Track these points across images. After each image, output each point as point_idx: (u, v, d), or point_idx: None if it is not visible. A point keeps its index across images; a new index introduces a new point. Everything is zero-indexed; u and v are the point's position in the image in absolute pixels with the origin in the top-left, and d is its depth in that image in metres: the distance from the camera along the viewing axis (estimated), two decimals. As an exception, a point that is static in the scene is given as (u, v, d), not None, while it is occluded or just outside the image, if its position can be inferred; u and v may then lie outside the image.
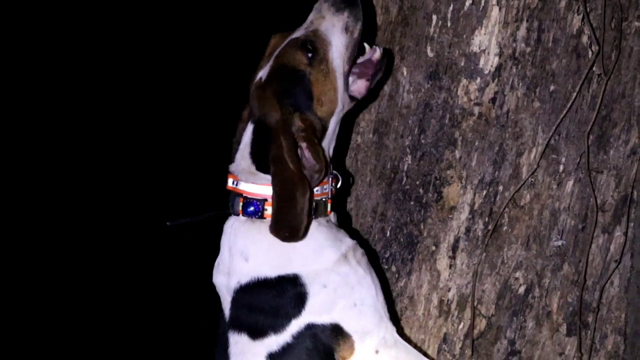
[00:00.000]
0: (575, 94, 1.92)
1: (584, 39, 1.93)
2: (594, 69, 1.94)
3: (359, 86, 1.82)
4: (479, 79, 1.96)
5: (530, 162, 1.99)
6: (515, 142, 1.99)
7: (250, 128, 1.78)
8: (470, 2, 1.93)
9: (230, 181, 1.80)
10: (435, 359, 2.08)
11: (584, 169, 1.99)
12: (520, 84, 1.96)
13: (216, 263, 1.83)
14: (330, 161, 1.83)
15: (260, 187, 1.74)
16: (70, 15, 5.46)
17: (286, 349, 1.68)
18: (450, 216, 2.04)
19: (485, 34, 1.94)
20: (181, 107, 5.58)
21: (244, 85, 1.87)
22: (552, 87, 1.95)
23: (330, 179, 1.82)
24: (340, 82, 1.77)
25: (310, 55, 1.74)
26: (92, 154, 5.60)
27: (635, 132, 2.00)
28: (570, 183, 2.01)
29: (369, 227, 2.14)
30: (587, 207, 2.03)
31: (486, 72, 1.95)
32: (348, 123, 2.06)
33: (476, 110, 1.98)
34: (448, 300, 2.08)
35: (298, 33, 1.79)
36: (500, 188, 2.01)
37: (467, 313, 2.06)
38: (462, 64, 1.97)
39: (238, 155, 1.80)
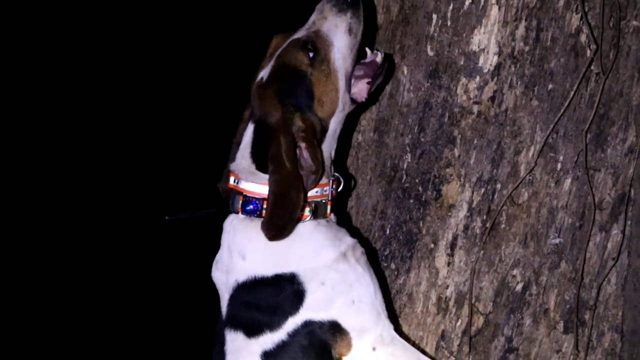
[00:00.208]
0: (573, 92, 1.93)
1: (582, 38, 1.93)
2: (592, 67, 1.94)
3: (360, 88, 1.83)
4: (478, 78, 1.97)
5: (528, 161, 1.99)
6: (513, 140, 1.99)
7: (251, 128, 1.79)
8: (470, 1, 1.94)
9: (231, 179, 1.81)
10: (432, 356, 2.09)
11: (581, 167, 2.00)
12: (519, 82, 1.96)
13: (215, 260, 1.84)
14: (332, 163, 1.84)
15: (260, 186, 1.75)
16: (70, 15, 5.46)
17: (281, 347, 1.69)
18: (449, 214, 2.05)
19: (484, 33, 1.94)
20: (182, 106, 5.58)
21: (245, 85, 1.88)
22: (550, 86, 1.96)
23: (331, 181, 1.83)
24: (342, 83, 1.78)
25: (311, 55, 1.75)
26: (91, 151, 5.60)
27: (632, 130, 2.00)
28: (568, 181, 2.02)
29: (369, 225, 2.15)
30: (585, 205, 2.03)
31: (485, 70, 1.96)
32: (349, 126, 2.06)
33: (475, 108, 1.99)
34: (446, 298, 2.08)
35: (300, 34, 1.80)
36: (499, 186, 2.02)
37: (465, 310, 2.07)
38: (462, 62, 1.97)
39: (239, 155, 1.81)
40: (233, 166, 1.82)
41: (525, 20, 1.93)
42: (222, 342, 1.77)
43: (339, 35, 1.78)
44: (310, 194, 1.75)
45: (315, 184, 1.74)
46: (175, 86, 5.51)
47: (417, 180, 2.06)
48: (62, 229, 5.25)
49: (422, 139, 2.04)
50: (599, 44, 1.92)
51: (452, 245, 2.06)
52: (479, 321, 2.08)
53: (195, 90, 5.51)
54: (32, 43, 5.52)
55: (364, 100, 1.84)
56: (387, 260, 2.12)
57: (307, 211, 1.75)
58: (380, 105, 2.11)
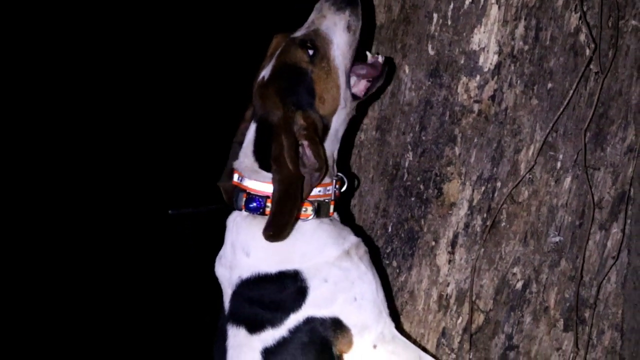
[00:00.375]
0: (572, 91, 1.93)
1: (582, 37, 1.94)
2: (591, 67, 1.94)
3: (360, 88, 1.85)
4: (478, 77, 1.98)
5: (528, 159, 2.00)
6: (513, 139, 2.00)
7: (253, 127, 1.80)
8: (470, 0, 1.94)
9: (235, 176, 1.83)
10: (433, 353, 2.09)
11: (581, 166, 2.00)
12: (519, 81, 1.97)
13: (219, 256, 1.85)
14: (335, 163, 1.85)
15: (263, 184, 1.76)
16: (70, 15, 5.48)
17: (281, 343, 1.69)
18: (450, 212, 2.05)
19: (484, 32, 1.95)
20: (182, 103, 5.60)
21: (245, 84, 1.89)
22: (549, 85, 1.97)
23: (334, 181, 1.84)
24: (342, 80, 1.79)
25: (311, 53, 1.76)
26: (94, 148, 5.62)
27: (632, 129, 2.01)
28: (568, 180, 2.03)
29: (371, 222, 2.16)
30: (585, 203, 2.04)
31: (485, 69, 1.97)
32: (352, 127, 2.08)
33: (476, 107, 2.00)
34: (447, 295, 2.09)
35: (299, 33, 1.82)
36: (499, 184, 2.03)
37: (466, 308, 2.08)
38: (462, 61, 1.98)
39: (242, 153, 1.82)
40: (236, 164, 1.83)
41: (525, 19, 1.93)
42: (223, 337, 1.77)
43: (338, 32, 1.79)
44: (312, 193, 1.76)
45: (320, 181, 1.74)
46: (177, 85, 5.52)
47: (418, 179, 2.08)
48: (65, 225, 5.26)
49: (424, 138, 2.06)
50: (598, 44, 1.93)
51: (453, 243, 2.07)
52: (479, 319, 2.09)
53: (197, 89, 5.52)
54: (32, 43, 5.54)
55: (364, 95, 1.85)
56: (389, 258, 2.13)
57: (309, 210, 1.76)
58: (382, 103, 2.11)
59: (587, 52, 1.94)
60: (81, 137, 5.63)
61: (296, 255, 1.73)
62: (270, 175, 1.72)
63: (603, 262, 2.09)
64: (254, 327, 1.72)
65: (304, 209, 1.75)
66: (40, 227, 5.24)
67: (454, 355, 2.11)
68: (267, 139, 1.72)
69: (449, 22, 1.98)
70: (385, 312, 1.77)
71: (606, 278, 2.10)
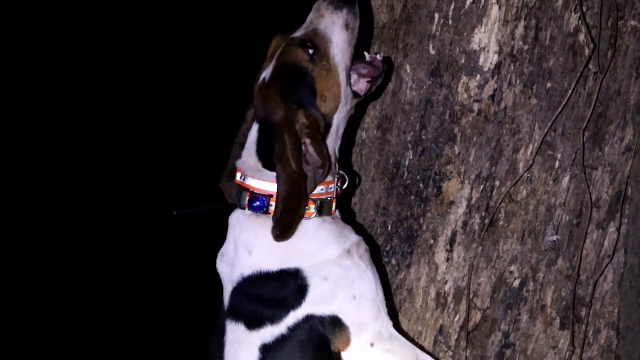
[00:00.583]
0: (571, 91, 1.94)
1: (581, 37, 1.94)
2: (589, 66, 1.95)
3: (360, 87, 1.85)
4: (478, 76, 1.98)
5: (527, 158, 2.01)
6: (512, 138, 2.01)
7: (255, 127, 1.81)
8: (471, 0, 1.95)
9: (238, 175, 1.83)
10: (430, 351, 2.11)
11: (579, 165, 2.01)
12: (518, 81, 1.98)
13: (220, 253, 1.86)
14: (336, 160, 1.86)
15: (266, 183, 1.77)
16: (73, 15, 5.48)
17: (280, 340, 1.70)
18: (449, 210, 2.06)
19: (485, 32, 1.96)
20: (183, 103, 5.60)
21: (246, 84, 1.89)
22: (548, 85, 1.97)
23: (336, 178, 1.84)
24: (342, 77, 1.80)
25: (311, 52, 1.77)
26: (96, 148, 5.62)
27: (630, 129, 2.02)
28: (566, 179, 2.04)
29: (371, 220, 2.16)
30: (582, 202, 2.05)
31: (486, 69, 1.97)
32: (352, 125, 2.08)
33: (475, 106, 2.00)
34: (445, 293, 2.10)
35: (298, 33, 1.82)
36: (497, 183, 2.04)
37: (463, 305, 2.09)
38: (463, 61, 1.98)
39: (244, 152, 1.83)
40: (239, 163, 1.84)
41: (525, 19, 1.94)
42: (222, 332, 1.78)
43: (336, 31, 1.80)
44: (315, 191, 1.77)
45: (324, 178, 1.75)
46: (177, 85, 5.53)
47: (418, 177, 2.08)
48: (66, 226, 5.27)
49: (424, 137, 2.06)
50: (597, 44, 1.93)
51: (451, 241, 2.08)
52: (476, 316, 2.10)
53: (198, 90, 5.53)
54: (33, 43, 5.54)
55: (364, 93, 1.86)
56: (388, 256, 2.14)
57: (312, 208, 1.77)
58: (384, 102, 2.12)
59: (586, 52, 1.94)
60: (83, 138, 5.63)
61: (298, 254, 1.74)
62: (273, 174, 1.73)
63: (600, 260, 2.10)
64: (253, 323, 1.73)
65: (306, 207, 1.76)
66: (41, 227, 5.24)
67: (451, 353, 2.12)
68: (270, 139, 1.73)
69: (450, 22, 1.98)
70: (383, 311, 1.78)
71: (603, 277, 2.11)
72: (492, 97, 1.99)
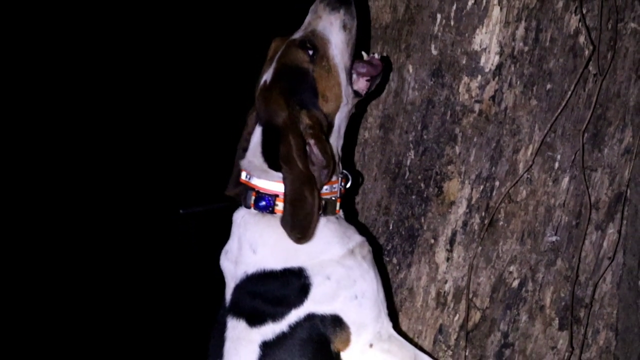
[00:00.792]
0: (571, 92, 1.95)
1: (581, 39, 1.95)
2: (589, 68, 1.96)
3: (361, 86, 1.87)
4: (479, 77, 1.99)
5: (527, 159, 2.02)
6: (512, 138, 2.02)
7: (258, 130, 1.81)
8: (473, 1, 1.96)
9: (243, 175, 1.84)
10: (429, 351, 2.11)
11: (578, 167, 2.02)
12: (518, 82, 1.99)
13: (224, 250, 1.87)
14: (339, 160, 1.87)
15: (272, 183, 1.78)
16: (81, 15, 5.50)
17: (281, 338, 1.70)
18: (449, 210, 2.07)
19: (486, 33, 1.97)
20: (181, 107, 5.61)
21: (246, 83, 1.90)
22: (548, 86, 1.98)
23: (339, 178, 1.85)
24: (343, 77, 1.81)
25: (311, 53, 1.78)
26: (97, 149, 5.63)
27: (629, 131, 2.02)
28: (566, 180, 2.04)
29: (373, 220, 2.17)
30: (582, 204, 2.05)
31: (487, 70, 1.99)
32: (354, 123, 2.09)
33: (477, 107, 2.01)
34: (445, 293, 2.11)
35: (297, 34, 1.84)
36: (497, 183, 2.05)
37: (463, 305, 2.09)
38: (464, 62, 2.00)
39: (249, 153, 1.83)
40: (244, 163, 1.84)
41: (526, 20, 1.95)
42: (222, 328, 1.78)
43: (334, 32, 1.81)
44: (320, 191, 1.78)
45: (329, 178, 1.76)
46: (179, 86, 5.55)
47: (419, 177, 2.09)
48: (68, 226, 5.27)
49: (425, 137, 2.07)
50: (597, 45, 1.94)
51: (452, 241, 2.09)
52: (476, 316, 2.11)
53: (199, 90, 5.54)
54: (33, 43, 5.55)
55: (365, 92, 1.87)
56: (389, 255, 2.15)
57: None
58: (386, 102, 2.13)
59: (586, 53, 1.95)
60: (87, 137, 5.64)
61: (302, 253, 1.74)
62: (279, 174, 1.74)
63: (599, 262, 2.11)
64: (255, 320, 1.73)
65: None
66: (42, 226, 5.24)
67: (450, 352, 2.12)
68: (275, 140, 1.74)
69: (452, 23, 1.99)
70: (384, 312, 1.79)
71: (602, 278, 2.12)
72: (492, 97, 2.00)
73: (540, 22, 1.95)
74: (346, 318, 1.72)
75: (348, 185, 1.91)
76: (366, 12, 2.13)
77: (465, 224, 2.08)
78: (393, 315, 1.88)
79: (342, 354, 1.74)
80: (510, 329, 2.11)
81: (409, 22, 2.06)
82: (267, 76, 1.81)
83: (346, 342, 1.73)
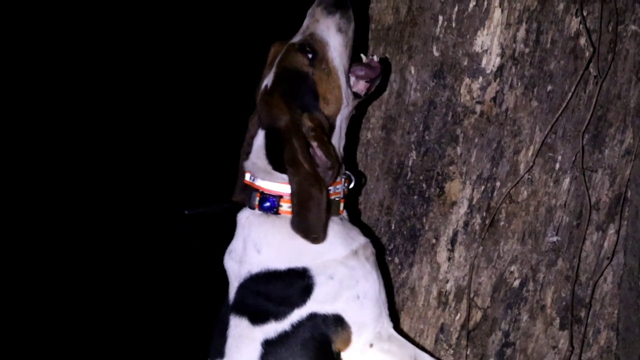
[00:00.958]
0: (571, 94, 1.96)
1: (581, 41, 1.96)
2: (590, 70, 1.97)
3: (360, 88, 1.88)
4: (481, 78, 2.00)
5: (527, 160, 2.03)
6: (513, 139, 2.03)
7: (261, 134, 1.83)
8: (474, 3, 1.97)
9: (247, 176, 1.86)
10: (431, 351, 2.12)
11: (579, 168, 2.02)
12: (519, 83, 1.99)
13: (228, 250, 1.88)
14: (342, 160, 1.87)
15: (277, 184, 1.79)
16: (85, 16, 5.52)
17: (283, 337, 1.72)
18: (451, 210, 2.08)
19: (487, 35, 1.98)
20: (182, 108, 5.63)
21: (246, 83, 1.92)
22: (549, 87, 1.99)
23: (343, 179, 1.86)
24: (342, 80, 1.82)
25: (310, 56, 1.79)
26: (99, 149, 5.65)
27: (629, 132, 2.03)
28: (566, 181, 2.05)
29: (375, 220, 2.18)
30: (582, 204, 2.06)
31: (488, 71, 1.99)
32: (355, 124, 2.10)
33: (478, 108, 2.02)
34: (446, 292, 2.12)
35: (296, 38, 1.85)
36: (498, 184, 2.06)
37: (464, 305, 2.10)
38: (465, 63, 2.01)
39: (253, 155, 1.84)
40: (248, 165, 1.85)
41: (527, 22, 1.95)
42: (225, 326, 1.80)
43: (332, 35, 1.83)
44: None
45: (334, 179, 1.77)
46: (181, 87, 5.56)
47: (421, 177, 2.11)
48: (69, 225, 5.28)
49: (427, 137, 2.08)
50: (597, 47, 1.95)
51: (453, 241, 2.10)
52: (477, 315, 2.12)
53: (200, 91, 5.56)
54: (33, 43, 5.56)
55: (364, 94, 1.89)
56: (391, 255, 2.16)
57: None
58: (389, 103, 2.14)
59: (587, 55, 1.96)
60: (89, 138, 5.65)
61: (306, 254, 1.75)
62: (283, 176, 1.76)
63: (599, 262, 2.12)
64: (257, 319, 1.75)
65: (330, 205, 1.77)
66: (43, 227, 5.26)
67: (451, 351, 2.14)
68: (278, 144, 1.75)
69: (454, 25, 2.00)
70: (385, 312, 1.80)
71: (602, 278, 2.13)
72: (494, 99, 2.02)
73: (541, 24, 1.96)
74: (348, 318, 1.73)
75: (351, 185, 1.92)
76: (364, 15, 2.14)
77: (466, 224, 2.09)
78: (394, 315, 1.89)
79: (343, 354, 1.75)
80: (511, 329, 2.12)
81: (411, 24, 2.08)
82: (267, 80, 1.82)
83: (347, 341, 1.74)
